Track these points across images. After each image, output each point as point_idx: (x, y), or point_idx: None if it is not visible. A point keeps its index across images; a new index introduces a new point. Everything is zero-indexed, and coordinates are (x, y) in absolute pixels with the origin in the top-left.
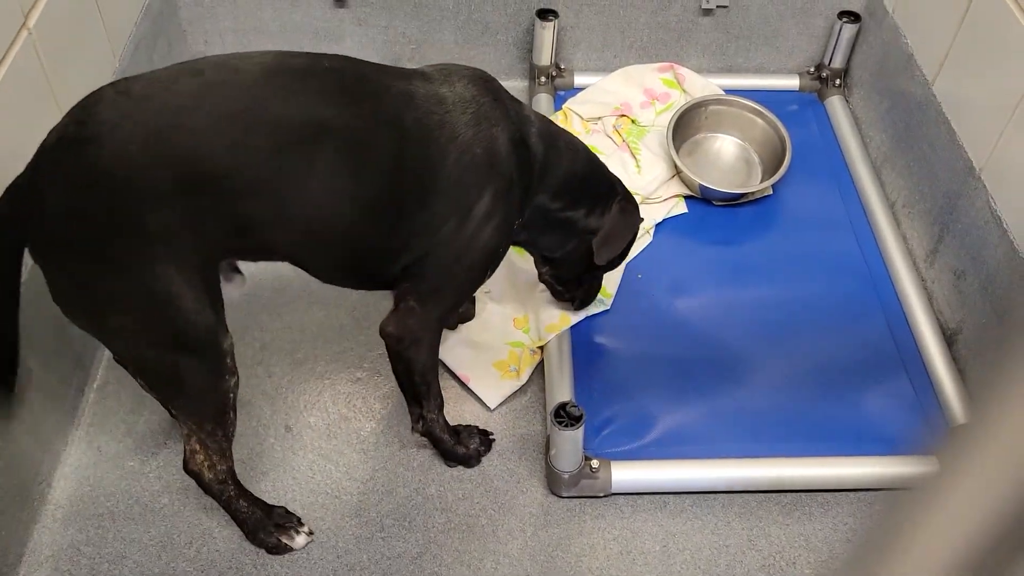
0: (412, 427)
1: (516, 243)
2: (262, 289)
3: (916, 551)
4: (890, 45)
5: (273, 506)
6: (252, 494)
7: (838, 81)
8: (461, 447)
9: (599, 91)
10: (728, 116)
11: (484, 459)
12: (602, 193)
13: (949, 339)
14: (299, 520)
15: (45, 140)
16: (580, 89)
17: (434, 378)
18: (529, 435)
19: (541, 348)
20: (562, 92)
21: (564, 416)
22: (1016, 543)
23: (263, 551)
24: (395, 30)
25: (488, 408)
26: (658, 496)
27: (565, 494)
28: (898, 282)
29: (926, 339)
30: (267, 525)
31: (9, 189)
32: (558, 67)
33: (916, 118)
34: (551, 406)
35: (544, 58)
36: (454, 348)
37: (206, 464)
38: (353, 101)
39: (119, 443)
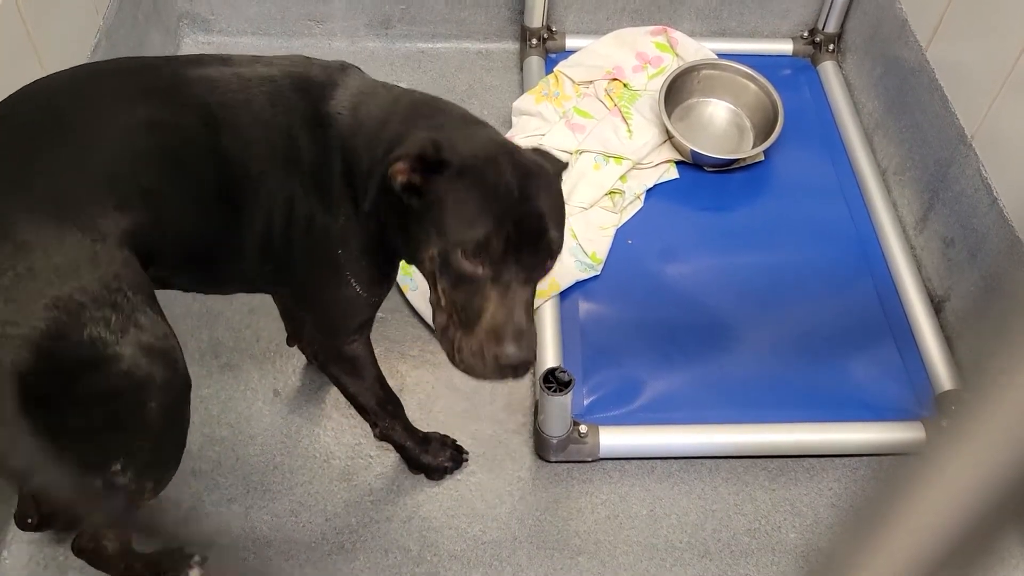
0: (372, 433)
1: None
2: None
3: (908, 520)
4: (884, 10)
5: (162, 553)
6: (143, 554)
7: (831, 46)
8: (428, 456)
9: (591, 54)
10: (721, 81)
11: (473, 424)
12: None
13: (937, 306)
14: (191, 558)
15: None
16: (572, 52)
17: (372, 395)
18: (518, 400)
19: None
20: (553, 55)
21: (553, 381)
22: (1009, 512)
23: (253, 513)
24: None
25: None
26: (646, 461)
27: (553, 459)
28: (887, 249)
29: (914, 306)
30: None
31: None
32: (549, 29)
33: (909, 84)
34: (540, 371)
35: (535, 20)
36: None
37: (111, 533)
38: (158, 97)
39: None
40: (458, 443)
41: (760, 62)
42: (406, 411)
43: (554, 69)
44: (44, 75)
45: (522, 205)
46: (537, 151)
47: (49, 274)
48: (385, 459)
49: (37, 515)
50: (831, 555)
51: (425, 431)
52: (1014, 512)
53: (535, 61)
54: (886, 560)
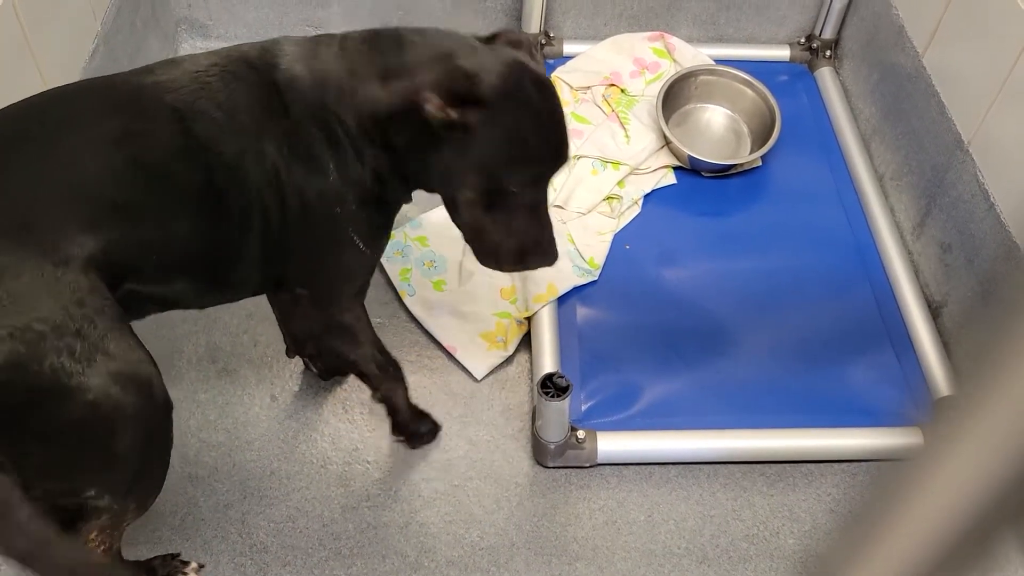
0: (371, 395)
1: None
2: None
3: (904, 525)
4: (881, 17)
5: (151, 559)
6: (129, 561)
7: (828, 52)
8: (412, 424)
9: (588, 60)
10: (718, 87)
11: (470, 429)
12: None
13: (934, 312)
14: (182, 561)
15: None
16: (569, 58)
17: (371, 360)
18: (515, 405)
19: (528, 319)
20: (551, 61)
21: (551, 387)
22: (1005, 516)
23: (249, 518)
24: None
25: (475, 379)
26: (644, 467)
27: (551, 464)
28: (885, 254)
29: (911, 312)
30: None
31: None
32: (547, 35)
33: (906, 90)
34: (538, 376)
35: (533, 26)
36: (441, 319)
37: (100, 549)
38: (123, 110)
39: None
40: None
41: (757, 68)
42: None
43: (552, 75)
44: (42, 81)
45: (556, 128)
46: (506, 38)
47: (6, 303)
48: (383, 465)
49: None
50: (827, 560)
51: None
52: (1010, 516)
53: None
54: (882, 564)
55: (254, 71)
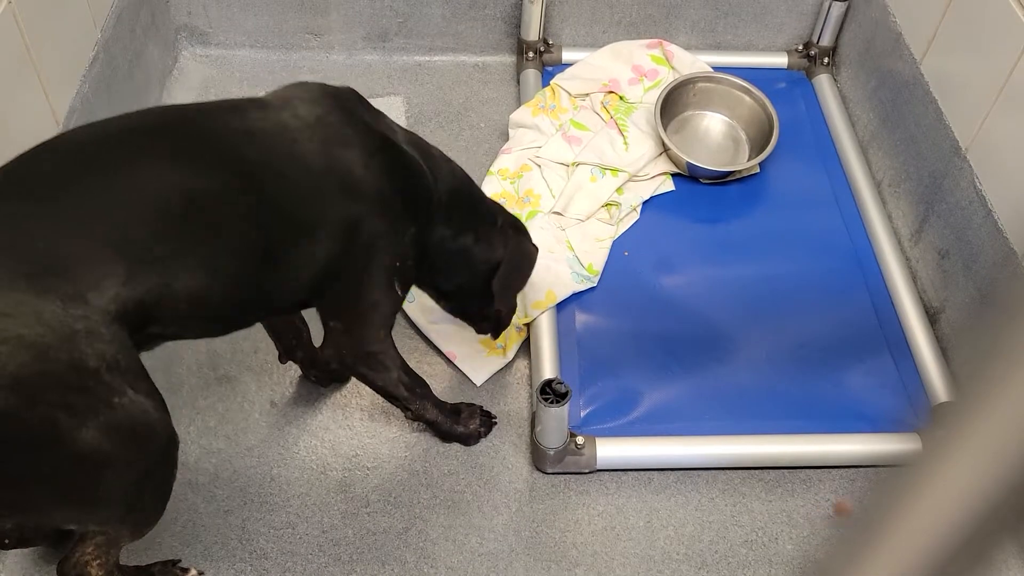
0: (404, 415)
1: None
2: None
3: (902, 530)
4: (879, 24)
5: (151, 565)
6: (128, 567)
7: (826, 59)
8: (460, 426)
9: (587, 67)
10: (716, 94)
11: None
12: (485, 215)
13: (932, 318)
14: (182, 568)
15: None
16: (568, 65)
17: (400, 383)
18: (515, 412)
19: (527, 325)
20: (550, 68)
21: (550, 393)
22: (1002, 520)
23: (250, 524)
24: (382, 2)
25: (474, 385)
26: (642, 473)
27: (550, 470)
28: (883, 261)
29: (909, 318)
30: None
31: None
32: (546, 43)
33: (903, 97)
34: (537, 383)
35: (532, 33)
36: (440, 325)
37: (97, 563)
38: (192, 159)
39: None
40: (484, 408)
41: (755, 75)
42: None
43: (551, 82)
44: (42, 88)
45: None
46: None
47: (14, 349)
48: (382, 471)
49: (14, 536)
50: (826, 566)
51: (452, 403)
52: (1007, 522)
53: (532, 74)
54: (881, 570)
55: (362, 141)
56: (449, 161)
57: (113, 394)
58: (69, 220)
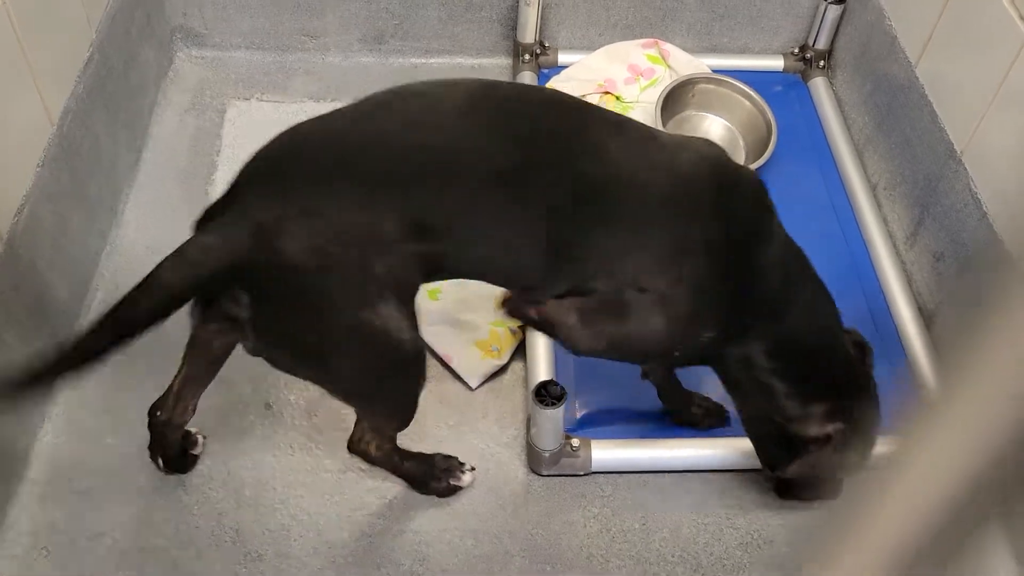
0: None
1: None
2: None
3: (880, 520)
4: (874, 27)
5: (432, 455)
6: (412, 452)
7: (822, 62)
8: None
9: (583, 68)
10: (716, 96)
11: (465, 438)
12: (833, 386)
13: (927, 321)
14: (459, 461)
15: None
16: (564, 67)
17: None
18: (510, 414)
19: (523, 327)
20: (546, 70)
21: (545, 395)
22: (975, 516)
23: (244, 526)
24: (377, 4)
25: (469, 388)
26: (638, 475)
27: (545, 472)
28: (878, 263)
29: (904, 320)
30: (435, 473)
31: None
32: (542, 45)
33: (899, 100)
34: (532, 385)
35: (528, 36)
36: (435, 327)
37: (373, 444)
38: (555, 153)
39: (97, 420)
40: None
41: (751, 78)
42: None
43: (547, 84)
44: (36, 88)
45: None
46: None
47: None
48: (377, 473)
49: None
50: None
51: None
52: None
53: (528, 76)
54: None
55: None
56: (823, 310)
57: (380, 301)
58: (423, 169)
